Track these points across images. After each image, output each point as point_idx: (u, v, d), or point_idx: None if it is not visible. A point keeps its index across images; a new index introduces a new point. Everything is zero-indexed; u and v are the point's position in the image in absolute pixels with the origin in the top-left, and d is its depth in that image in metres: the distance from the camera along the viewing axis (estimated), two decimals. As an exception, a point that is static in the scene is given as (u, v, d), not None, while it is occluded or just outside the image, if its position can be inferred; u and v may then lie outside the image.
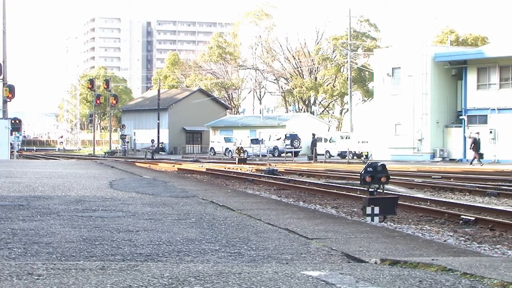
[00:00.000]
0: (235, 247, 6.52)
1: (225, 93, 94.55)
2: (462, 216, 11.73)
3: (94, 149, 73.27)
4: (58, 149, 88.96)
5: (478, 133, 40.79)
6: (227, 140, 63.88)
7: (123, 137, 68.14)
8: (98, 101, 68.73)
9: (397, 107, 45.94)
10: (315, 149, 47.57)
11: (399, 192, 17.03)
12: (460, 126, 44.64)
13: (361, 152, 48.82)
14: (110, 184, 15.05)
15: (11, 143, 41.28)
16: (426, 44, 48.84)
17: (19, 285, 4.15)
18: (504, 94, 42.35)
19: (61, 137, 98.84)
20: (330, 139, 56.30)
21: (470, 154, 43.60)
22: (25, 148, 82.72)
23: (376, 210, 10.84)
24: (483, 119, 43.39)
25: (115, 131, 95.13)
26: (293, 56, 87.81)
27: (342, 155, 52.43)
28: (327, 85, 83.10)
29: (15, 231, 7.22)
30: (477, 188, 18.65)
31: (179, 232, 7.46)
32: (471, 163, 37.71)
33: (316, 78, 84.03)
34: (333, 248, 6.53)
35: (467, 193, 18.07)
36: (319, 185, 19.93)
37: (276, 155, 57.03)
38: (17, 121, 77.59)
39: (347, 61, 68.57)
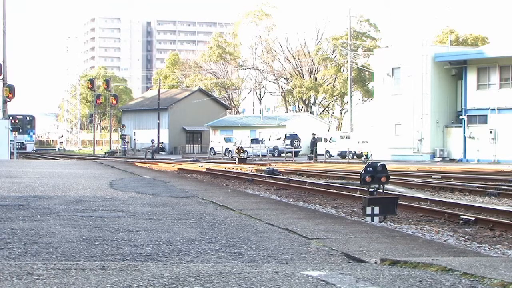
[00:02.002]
0: (235, 247, 6.52)
1: (225, 93, 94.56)
2: (462, 216, 11.73)
3: (94, 149, 73.23)
4: (58, 149, 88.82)
5: None
6: (227, 140, 63.89)
7: (123, 137, 68.11)
8: (98, 101, 68.72)
9: (397, 107, 45.95)
10: (315, 149, 47.59)
11: (399, 192, 17.03)
12: (460, 126, 44.65)
13: (361, 152, 48.82)
14: (110, 184, 15.05)
15: (11, 143, 41.16)
16: (426, 44, 48.88)
17: (19, 285, 4.15)
18: (504, 94, 42.36)
19: (61, 137, 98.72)
20: (330, 139, 56.30)
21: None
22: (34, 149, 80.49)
23: (376, 210, 10.84)
24: (483, 119, 43.41)
25: (115, 131, 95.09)
26: (293, 56, 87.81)
27: (342, 155, 52.44)
28: (327, 85, 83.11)
29: (15, 231, 7.22)
30: (477, 188, 18.65)
31: (179, 232, 7.46)
32: None
33: (316, 78, 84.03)
34: (333, 248, 6.53)
35: (467, 193, 18.07)
36: (319, 185, 19.93)
37: (276, 155, 57.03)
38: (30, 118, 71.34)
39: (347, 61, 68.59)
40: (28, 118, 71.60)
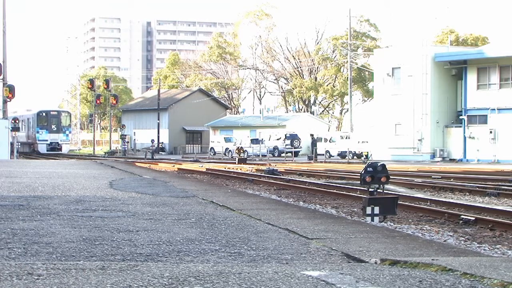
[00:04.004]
0: (235, 247, 6.52)
1: (225, 93, 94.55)
2: (462, 216, 11.73)
3: (94, 149, 73.17)
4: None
5: None
6: (227, 140, 63.89)
7: (123, 137, 68.07)
8: (98, 101, 68.64)
9: (397, 107, 45.95)
10: (315, 149, 47.60)
11: (399, 192, 17.02)
12: (460, 126, 44.65)
13: (361, 152, 48.82)
14: (110, 184, 15.05)
15: (11, 143, 41.13)
16: (426, 44, 48.85)
17: (19, 285, 4.15)
18: (504, 94, 42.36)
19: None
20: (330, 139, 56.31)
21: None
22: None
23: (376, 210, 10.84)
24: (483, 119, 43.41)
25: (115, 131, 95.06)
26: (293, 56, 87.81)
27: (342, 155, 52.44)
28: (327, 85, 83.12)
29: (15, 231, 7.22)
30: (477, 188, 18.64)
31: (179, 232, 7.46)
32: None
33: (316, 78, 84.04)
34: (333, 248, 6.53)
35: (467, 193, 18.07)
36: (319, 185, 19.93)
37: (276, 155, 57.02)
38: (66, 114, 63.36)
39: (347, 61, 68.60)
40: (64, 114, 63.81)
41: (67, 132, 62.20)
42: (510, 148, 41.40)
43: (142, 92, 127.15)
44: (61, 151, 60.18)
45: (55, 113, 62.88)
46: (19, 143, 62.13)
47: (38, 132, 60.49)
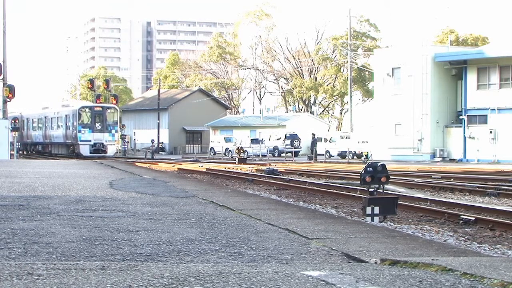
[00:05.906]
0: (235, 247, 6.52)
1: (225, 93, 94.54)
2: (462, 216, 11.73)
3: (94, 149, 72.96)
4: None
5: None
6: (227, 140, 63.89)
7: (123, 137, 68.01)
8: (98, 101, 68.51)
9: (397, 107, 45.96)
10: (315, 149, 47.61)
11: (399, 192, 17.02)
12: (460, 126, 44.66)
13: (361, 152, 48.84)
14: (110, 184, 15.04)
15: (11, 142, 41.10)
16: (426, 44, 48.88)
17: (19, 285, 4.15)
18: (504, 94, 42.37)
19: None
20: (330, 139, 56.31)
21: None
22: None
23: (376, 210, 10.84)
24: (483, 119, 43.42)
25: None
26: (293, 56, 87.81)
27: (342, 155, 52.45)
28: (327, 85, 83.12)
29: (15, 231, 7.22)
30: (477, 188, 18.64)
31: (179, 232, 7.46)
32: None
33: (316, 78, 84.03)
34: (333, 248, 6.52)
35: (467, 193, 18.07)
36: (319, 185, 19.92)
37: (276, 155, 57.03)
38: (113, 111, 52.51)
39: (347, 61, 68.59)
40: (110, 110, 54.06)
41: (113, 131, 53.08)
42: (510, 148, 41.41)
43: (142, 92, 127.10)
44: (106, 153, 51.88)
45: (100, 109, 54.06)
46: (52, 144, 58.54)
47: (80, 131, 52.11)
